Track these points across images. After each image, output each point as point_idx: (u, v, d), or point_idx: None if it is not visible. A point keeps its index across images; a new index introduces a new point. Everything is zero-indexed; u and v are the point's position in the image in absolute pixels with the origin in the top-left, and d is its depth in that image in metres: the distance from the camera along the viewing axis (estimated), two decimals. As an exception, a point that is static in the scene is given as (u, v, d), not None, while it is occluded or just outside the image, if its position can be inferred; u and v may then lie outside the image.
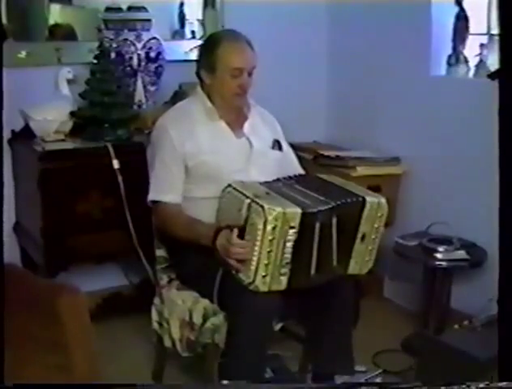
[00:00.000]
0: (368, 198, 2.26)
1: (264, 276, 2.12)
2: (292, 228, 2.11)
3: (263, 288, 2.14)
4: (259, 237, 2.08)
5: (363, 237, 2.29)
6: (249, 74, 2.44)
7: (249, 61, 2.44)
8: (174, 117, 2.49)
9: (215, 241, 2.19)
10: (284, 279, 2.17)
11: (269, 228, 2.07)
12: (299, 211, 2.11)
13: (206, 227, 2.28)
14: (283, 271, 2.15)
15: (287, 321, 2.50)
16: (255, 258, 2.10)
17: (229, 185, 2.26)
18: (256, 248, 2.10)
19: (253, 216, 2.11)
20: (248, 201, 2.14)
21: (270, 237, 2.08)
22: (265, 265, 2.11)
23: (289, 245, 2.13)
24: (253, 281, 2.13)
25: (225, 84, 2.43)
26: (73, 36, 3.19)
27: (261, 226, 2.07)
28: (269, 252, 2.10)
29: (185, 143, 2.41)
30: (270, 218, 2.06)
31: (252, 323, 2.16)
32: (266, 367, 2.36)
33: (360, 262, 2.33)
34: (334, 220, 2.20)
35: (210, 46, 2.47)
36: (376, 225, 2.30)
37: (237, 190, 2.22)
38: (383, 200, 2.30)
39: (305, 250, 2.18)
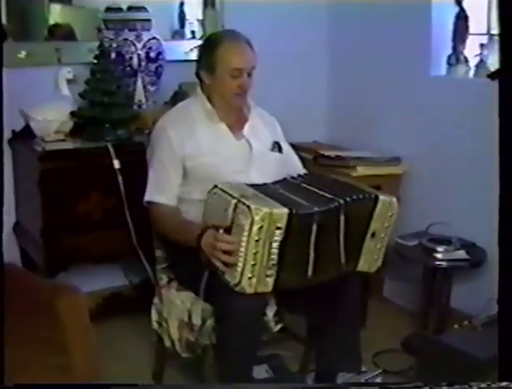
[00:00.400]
0: (381, 197, 2.27)
1: (250, 278, 2.10)
2: (279, 228, 2.09)
3: (249, 290, 2.12)
4: (245, 238, 2.06)
5: (373, 235, 2.29)
6: (249, 75, 2.44)
7: (248, 61, 2.44)
8: (174, 119, 2.49)
9: (200, 241, 2.17)
10: (270, 281, 2.15)
11: (255, 228, 2.05)
12: (285, 211, 2.09)
13: (194, 227, 2.26)
14: (270, 272, 2.13)
15: (288, 320, 2.49)
16: (241, 259, 2.08)
17: (216, 186, 2.23)
18: (242, 249, 2.07)
19: (239, 217, 2.09)
20: (234, 201, 2.12)
21: (256, 238, 2.06)
22: (251, 266, 2.09)
23: (275, 245, 2.11)
24: (240, 282, 2.10)
25: (225, 84, 2.42)
26: (72, 37, 3.19)
27: (247, 227, 2.05)
28: (255, 253, 2.08)
29: (184, 144, 2.41)
30: (256, 218, 2.04)
31: (237, 324, 2.15)
32: (253, 368, 2.34)
33: (369, 259, 2.33)
34: (342, 218, 2.20)
35: (209, 46, 2.47)
36: (386, 224, 2.30)
37: (224, 191, 2.19)
38: (394, 200, 2.31)
39: (296, 251, 2.15)
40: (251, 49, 2.46)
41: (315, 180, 2.39)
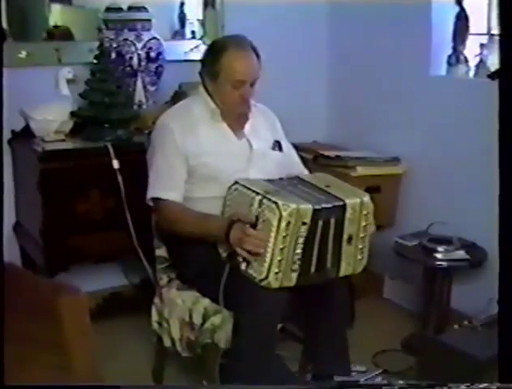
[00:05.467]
0: (347, 201, 2.22)
1: (277, 273, 2.12)
2: (305, 224, 2.11)
3: (275, 285, 2.13)
4: (273, 234, 2.08)
5: (350, 239, 2.26)
6: (252, 85, 2.43)
7: (252, 73, 2.41)
8: (176, 116, 2.48)
9: (228, 233, 2.16)
10: (295, 276, 2.17)
11: (283, 224, 2.07)
12: (310, 207, 2.12)
13: (218, 219, 2.26)
14: (295, 267, 2.15)
15: (285, 321, 2.49)
16: (269, 255, 2.10)
17: (236, 182, 2.24)
18: (270, 244, 2.09)
19: (265, 213, 2.10)
20: (259, 197, 2.13)
21: (284, 234, 2.08)
22: (278, 261, 2.11)
23: (301, 241, 2.13)
24: (267, 277, 2.11)
25: (226, 94, 2.41)
26: (70, 37, 3.18)
27: (275, 222, 2.07)
28: (282, 248, 2.10)
29: (187, 141, 2.40)
30: (284, 214, 2.06)
31: (260, 321, 2.15)
32: (271, 367, 2.35)
33: (352, 262, 2.30)
34: (333, 220, 2.20)
35: (214, 53, 2.43)
36: (363, 224, 2.27)
37: (246, 187, 2.20)
38: (366, 198, 2.26)
39: (311, 247, 2.17)
40: (256, 58, 2.43)
41: (302, 183, 2.35)
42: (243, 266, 2.18)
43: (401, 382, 1.83)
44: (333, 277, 2.29)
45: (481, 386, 1.65)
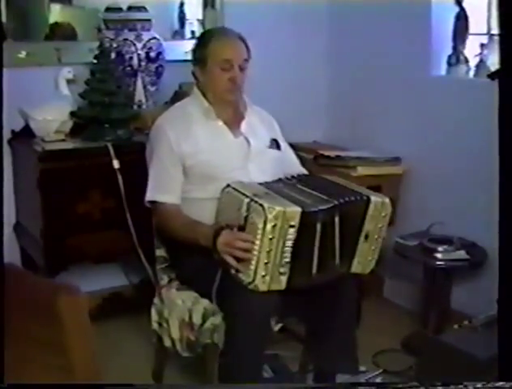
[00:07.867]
0: (372, 198, 2.26)
1: (264, 276, 2.12)
2: (292, 227, 2.10)
3: (263, 288, 2.13)
4: (259, 236, 2.08)
5: (366, 237, 2.28)
6: (242, 69, 2.43)
7: (238, 53, 2.43)
8: (172, 118, 2.49)
9: (215, 241, 2.18)
10: (284, 279, 2.16)
11: (269, 227, 2.07)
12: (298, 209, 2.11)
13: (205, 227, 2.28)
14: (283, 270, 2.15)
15: (288, 320, 2.49)
16: (255, 258, 2.10)
17: (228, 186, 2.25)
18: (256, 247, 2.09)
19: (252, 216, 2.10)
20: (247, 200, 2.13)
21: (269, 236, 2.08)
22: (264, 264, 2.11)
23: (289, 244, 2.12)
24: (253, 280, 2.12)
25: (216, 78, 2.42)
26: (73, 36, 3.19)
27: (261, 225, 2.07)
28: (268, 251, 2.10)
29: (182, 143, 2.41)
30: (270, 217, 2.06)
31: (250, 323, 2.15)
32: (263, 367, 2.35)
33: (362, 261, 2.32)
34: (337, 219, 2.20)
35: (201, 42, 2.49)
36: (380, 225, 2.30)
37: (236, 190, 2.21)
38: (387, 200, 2.30)
39: (305, 249, 2.17)
40: (244, 44, 2.46)
41: (308, 181, 2.38)
42: (233, 270, 2.18)
43: (406, 382, 1.82)
44: (343, 272, 2.29)
45: (496, 384, 1.65)
